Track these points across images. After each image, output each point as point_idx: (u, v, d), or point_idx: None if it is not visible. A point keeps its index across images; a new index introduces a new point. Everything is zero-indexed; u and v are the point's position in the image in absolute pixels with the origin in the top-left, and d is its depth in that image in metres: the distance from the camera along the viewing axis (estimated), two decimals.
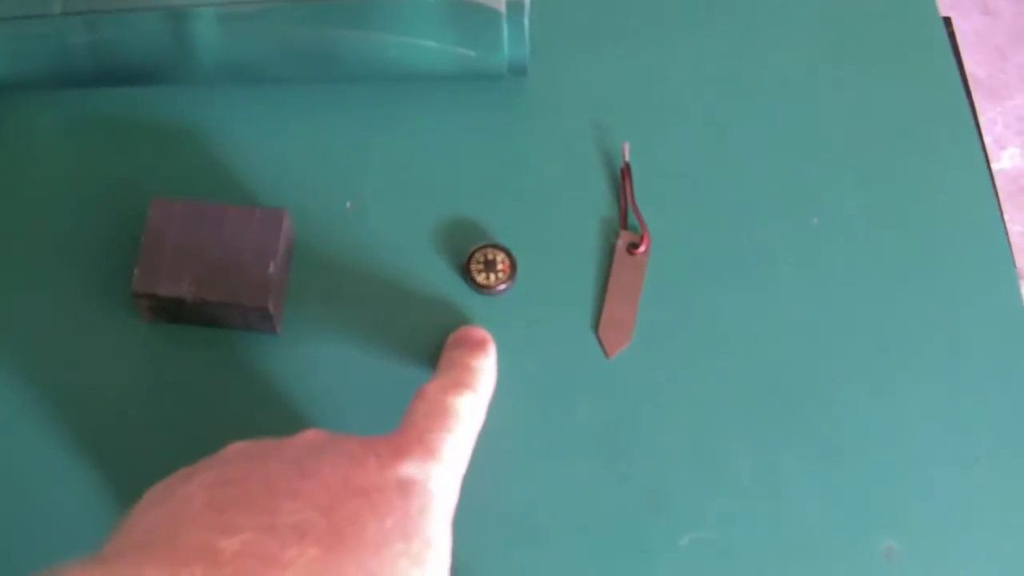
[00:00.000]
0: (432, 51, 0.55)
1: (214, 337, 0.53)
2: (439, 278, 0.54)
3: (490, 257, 0.54)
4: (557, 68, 0.58)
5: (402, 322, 0.53)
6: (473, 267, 0.54)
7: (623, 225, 0.55)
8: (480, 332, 0.52)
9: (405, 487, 0.42)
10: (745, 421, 0.52)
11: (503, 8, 0.54)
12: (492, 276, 0.54)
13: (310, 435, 0.44)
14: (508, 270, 0.54)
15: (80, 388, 0.52)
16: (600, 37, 0.59)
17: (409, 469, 0.43)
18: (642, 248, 0.54)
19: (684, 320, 0.54)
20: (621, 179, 0.56)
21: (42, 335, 0.53)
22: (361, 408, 0.52)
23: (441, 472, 0.44)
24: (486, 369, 0.50)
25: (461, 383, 0.48)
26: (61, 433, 0.51)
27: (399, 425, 0.45)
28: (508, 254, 0.54)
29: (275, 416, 0.52)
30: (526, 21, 0.54)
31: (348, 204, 0.55)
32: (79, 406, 0.52)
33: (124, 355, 0.53)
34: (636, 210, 0.55)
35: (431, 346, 0.53)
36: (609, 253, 0.55)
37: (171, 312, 0.52)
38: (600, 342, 0.53)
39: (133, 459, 0.51)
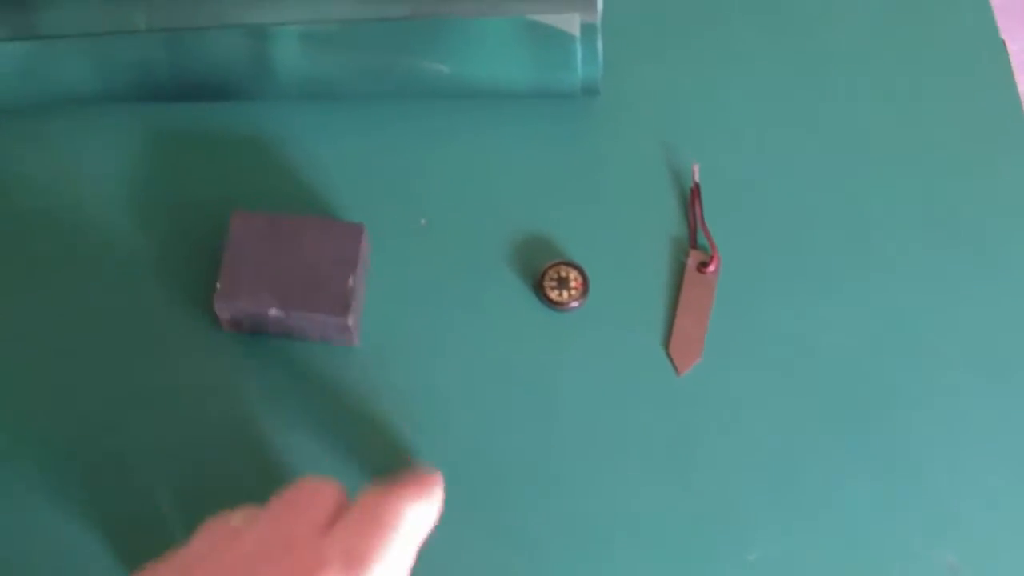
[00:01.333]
0: (506, 71, 0.56)
1: (292, 348, 0.54)
2: (512, 294, 0.55)
3: (563, 274, 0.55)
4: (628, 86, 0.59)
5: (476, 336, 0.54)
6: (547, 284, 0.55)
7: (692, 244, 0.56)
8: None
9: None
10: (811, 436, 0.53)
11: (577, 31, 0.55)
12: (565, 293, 0.55)
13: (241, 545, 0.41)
14: (581, 287, 0.55)
15: (160, 399, 0.53)
16: (671, 56, 0.60)
17: None
18: (712, 268, 0.55)
19: (752, 338, 0.55)
20: (691, 199, 0.57)
21: (123, 346, 0.54)
22: (436, 418, 0.53)
23: None
24: (438, 488, 0.45)
25: (412, 486, 0.44)
26: (138, 442, 0.52)
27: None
28: (581, 272, 0.55)
29: (352, 427, 0.53)
30: (599, 43, 0.55)
31: (423, 221, 0.56)
32: (159, 416, 0.53)
33: (203, 366, 0.54)
34: (705, 230, 0.56)
35: (505, 359, 0.54)
36: (679, 272, 0.56)
37: (251, 323, 0.53)
38: (671, 359, 0.54)
39: (210, 470, 0.52)
